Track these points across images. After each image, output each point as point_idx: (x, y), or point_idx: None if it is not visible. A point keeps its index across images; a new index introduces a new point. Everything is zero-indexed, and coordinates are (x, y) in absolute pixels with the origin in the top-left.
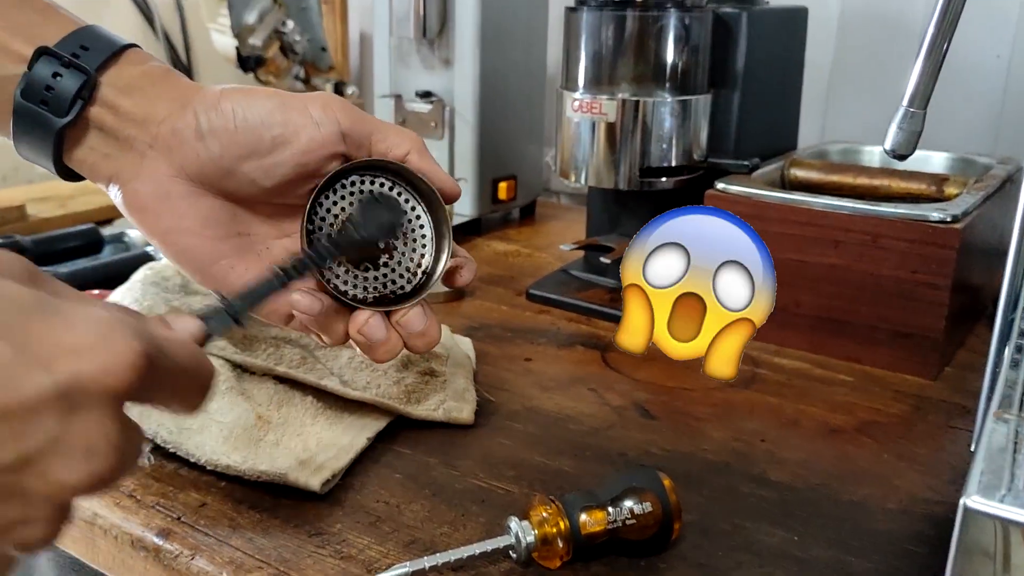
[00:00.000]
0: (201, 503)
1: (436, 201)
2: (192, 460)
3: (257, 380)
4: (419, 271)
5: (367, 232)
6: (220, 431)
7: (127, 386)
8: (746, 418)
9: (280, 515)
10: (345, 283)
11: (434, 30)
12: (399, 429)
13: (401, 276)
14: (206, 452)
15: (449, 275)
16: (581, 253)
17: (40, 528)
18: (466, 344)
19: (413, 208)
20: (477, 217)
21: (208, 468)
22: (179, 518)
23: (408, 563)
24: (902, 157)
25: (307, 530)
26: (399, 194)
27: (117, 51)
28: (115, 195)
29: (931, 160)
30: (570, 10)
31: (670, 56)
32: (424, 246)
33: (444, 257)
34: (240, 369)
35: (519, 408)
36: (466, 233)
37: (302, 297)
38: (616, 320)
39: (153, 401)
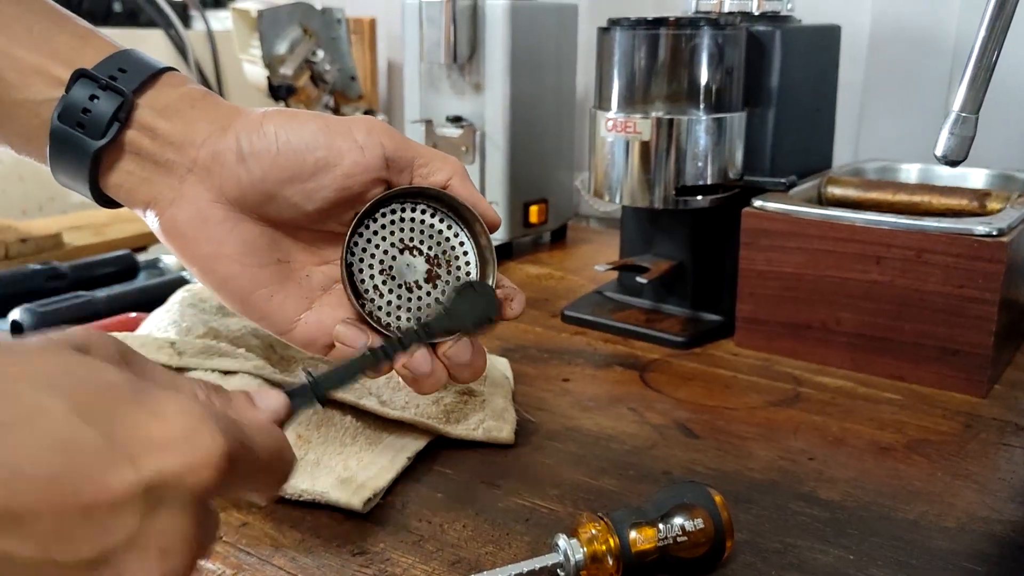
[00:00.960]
0: (242, 523)
1: (479, 228)
2: None
3: None
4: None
5: (461, 324)
6: None
7: (209, 486)
8: (791, 437)
9: (322, 535)
10: (388, 314)
11: (464, 55)
12: (439, 449)
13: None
14: None
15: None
16: (615, 275)
17: None
18: (503, 364)
19: (456, 235)
20: (509, 241)
21: None
22: (220, 538)
23: None
24: (954, 163)
25: (350, 549)
26: (441, 220)
27: (155, 73)
28: (152, 221)
29: (970, 177)
30: (603, 30)
31: (704, 74)
32: (468, 274)
33: (489, 284)
34: (280, 388)
35: (559, 428)
36: (498, 257)
37: (346, 329)
38: (653, 341)
39: (231, 493)
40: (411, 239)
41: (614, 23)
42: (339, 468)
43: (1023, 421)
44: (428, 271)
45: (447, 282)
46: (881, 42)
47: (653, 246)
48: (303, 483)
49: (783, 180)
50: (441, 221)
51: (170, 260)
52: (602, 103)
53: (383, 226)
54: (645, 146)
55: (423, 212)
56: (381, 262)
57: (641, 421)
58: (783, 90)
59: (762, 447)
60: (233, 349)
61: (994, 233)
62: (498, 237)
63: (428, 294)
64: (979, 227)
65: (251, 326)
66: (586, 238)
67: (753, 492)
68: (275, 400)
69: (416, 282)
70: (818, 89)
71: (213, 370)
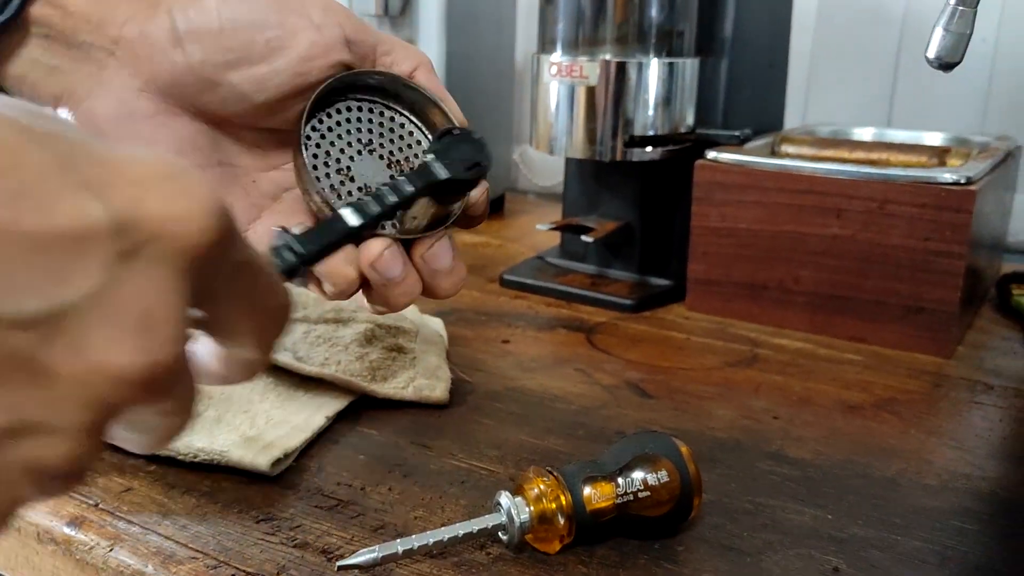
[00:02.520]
0: (125, 488)
1: (446, 125)
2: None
3: None
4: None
5: (458, 171)
6: None
7: (208, 245)
8: (752, 396)
9: (221, 500)
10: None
11: (396, 8)
12: (364, 409)
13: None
14: None
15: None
16: (556, 241)
17: (62, 443)
18: (437, 323)
19: (419, 141)
20: None
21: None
22: (96, 504)
23: (377, 547)
24: (948, 66)
25: (253, 515)
26: (402, 120)
27: None
28: (63, 118)
29: (925, 139)
30: None
31: (655, 16)
32: None
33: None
34: None
35: (499, 388)
36: None
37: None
38: (599, 304)
39: (225, 319)
40: (370, 140)
41: None
42: (244, 426)
43: (993, 380)
44: (391, 177)
45: None
46: (830, 11)
47: (599, 206)
48: (199, 441)
49: (737, 133)
50: (401, 124)
51: None
52: (545, 46)
53: (338, 123)
54: (591, 92)
55: (381, 110)
56: (338, 161)
57: (590, 382)
58: (737, 40)
59: (722, 406)
60: None
61: (962, 181)
62: None
63: None
64: (946, 175)
65: None
66: (525, 209)
67: (717, 451)
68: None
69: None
70: (771, 44)
71: None
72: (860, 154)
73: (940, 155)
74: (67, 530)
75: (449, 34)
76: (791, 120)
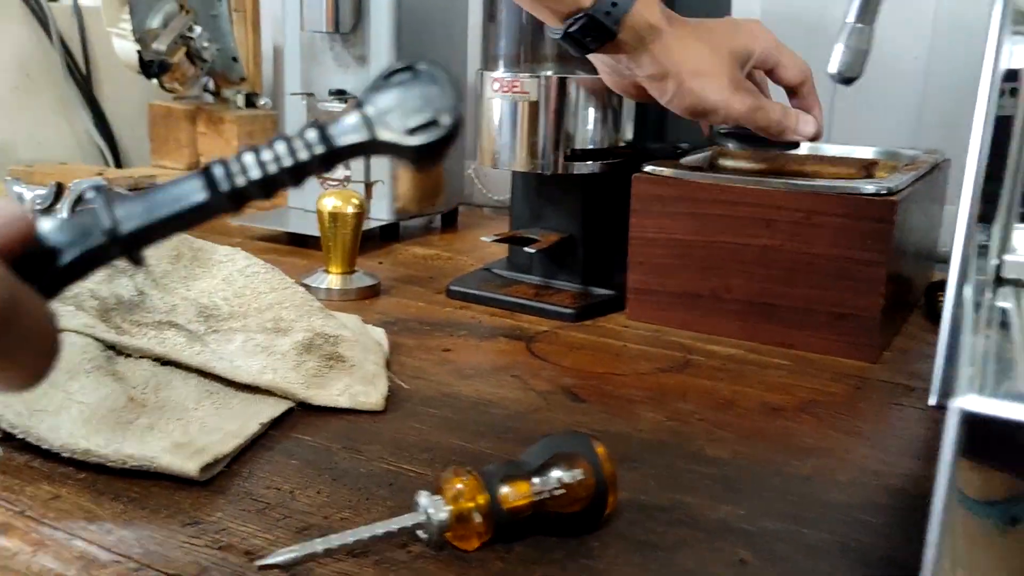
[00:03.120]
0: (53, 496)
1: None
2: (44, 447)
3: (133, 362)
4: None
5: (394, 132)
6: (80, 412)
7: None
8: (680, 400)
9: (149, 505)
10: None
11: (348, 25)
12: (299, 416)
13: None
14: (61, 435)
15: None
16: (505, 253)
17: None
18: (378, 333)
19: None
20: (395, 222)
21: (64, 456)
22: (22, 512)
23: (298, 546)
24: (849, 81)
25: (180, 520)
26: None
27: None
28: None
29: (858, 154)
30: None
31: None
32: None
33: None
34: (113, 351)
35: (435, 394)
36: (384, 239)
37: None
38: (541, 314)
39: None
40: None
41: None
42: (176, 433)
43: (913, 382)
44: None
45: None
46: (769, 25)
47: (544, 219)
48: (129, 448)
49: (674, 147)
50: None
51: None
52: (488, 63)
53: None
54: (533, 107)
55: None
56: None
57: (525, 388)
58: None
59: (650, 409)
60: (60, 306)
61: (883, 192)
62: (385, 217)
63: None
64: (868, 186)
65: (88, 285)
66: (478, 223)
67: (640, 451)
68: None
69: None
70: None
71: None
72: (793, 166)
73: (868, 168)
74: None
75: (399, 52)
76: None
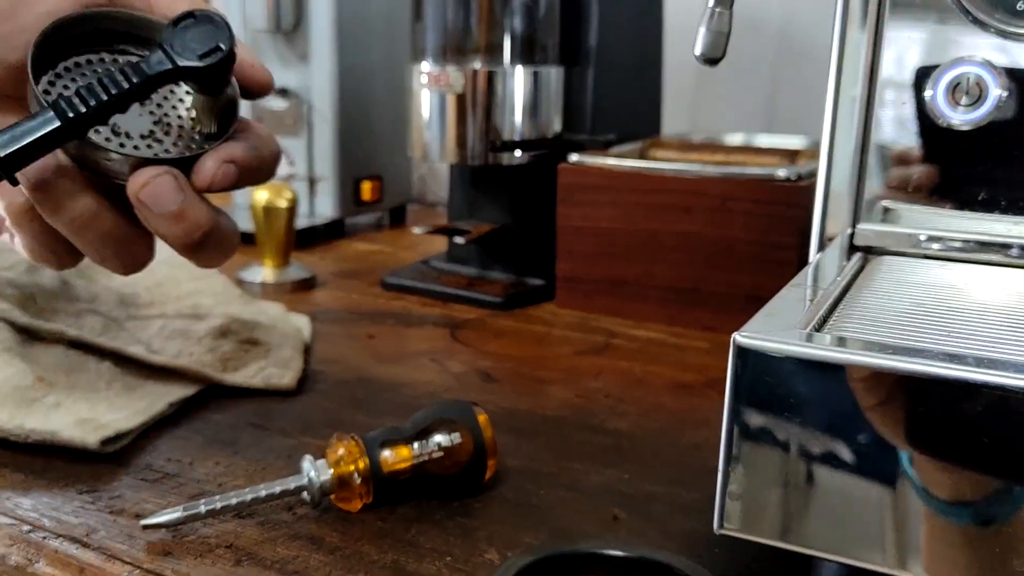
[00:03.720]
0: None
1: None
2: None
3: (46, 347)
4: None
5: (190, 59)
6: None
7: None
8: (592, 379)
9: (49, 476)
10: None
11: (289, 22)
12: (212, 397)
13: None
14: None
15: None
16: (444, 247)
17: None
18: (302, 321)
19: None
20: (340, 218)
21: None
22: None
23: (181, 507)
24: (712, 61)
25: (78, 488)
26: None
27: None
28: None
29: (790, 145)
30: None
31: (517, 27)
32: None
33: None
34: (26, 334)
35: (350, 377)
36: (328, 236)
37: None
38: (472, 303)
39: None
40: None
41: None
42: (83, 411)
43: None
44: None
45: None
46: (737, 35)
47: (478, 211)
48: (32, 422)
49: (601, 138)
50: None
51: None
52: (416, 55)
53: (74, 79)
54: (460, 100)
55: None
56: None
57: (441, 370)
58: (602, 50)
59: (560, 389)
60: None
61: (793, 178)
62: (328, 215)
63: (149, 147)
64: (779, 172)
65: (8, 275)
66: (428, 220)
67: (541, 426)
68: None
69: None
70: (641, 54)
71: None
72: (720, 156)
73: (792, 156)
74: None
75: (341, 49)
76: (677, 127)
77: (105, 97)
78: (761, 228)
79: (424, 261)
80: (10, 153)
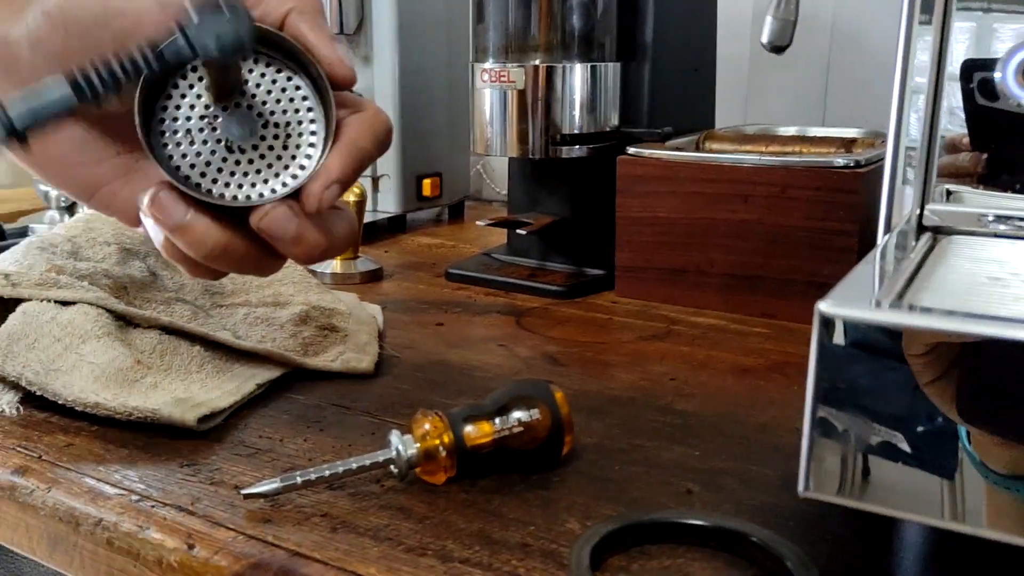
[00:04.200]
0: (67, 444)
1: (324, 86)
2: (60, 401)
3: (142, 332)
4: (301, 173)
5: (204, 44)
6: (92, 371)
7: None
8: (656, 363)
9: (152, 451)
10: (214, 181)
11: (352, 26)
12: (296, 380)
13: (275, 176)
14: (74, 391)
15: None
16: (504, 240)
17: None
18: (373, 308)
19: (297, 87)
20: (402, 213)
21: (77, 409)
22: (39, 457)
23: (279, 478)
24: (779, 49)
25: (179, 462)
26: (288, 78)
27: None
28: None
29: (846, 133)
30: None
31: (575, 25)
32: (312, 145)
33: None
34: (122, 320)
35: (424, 362)
36: (391, 230)
37: (161, 195)
38: (534, 292)
39: None
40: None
41: None
42: (179, 391)
43: None
44: (259, 134)
45: (284, 148)
46: (762, 18)
47: (538, 204)
48: (134, 401)
49: (658, 131)
50: (272, 67)
51: (40, 228)
52: (478, 55)
53: (199, 78)
54: (521, 95)
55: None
56: (203, 118)
57: (509, 355)
58: (657, 46)
59: (626, 371)
60: (75, 282)
61: (851, 164)
62: (391, 209)
63: (262, 157)
64: (838, 160)
65: (103, 267)
66: (484, 215)
67: (610, 406)
68: None
69: (240, 147)
70: (695, 49)
71: (49, 300)
72: (776, 147)
73: (847, 145)
74: (12, 478)
75: (402, 51)
76: (730, 120)
77: (121, 75)
78: (820, 215)
79: (485, 253)
80: (28, 127)
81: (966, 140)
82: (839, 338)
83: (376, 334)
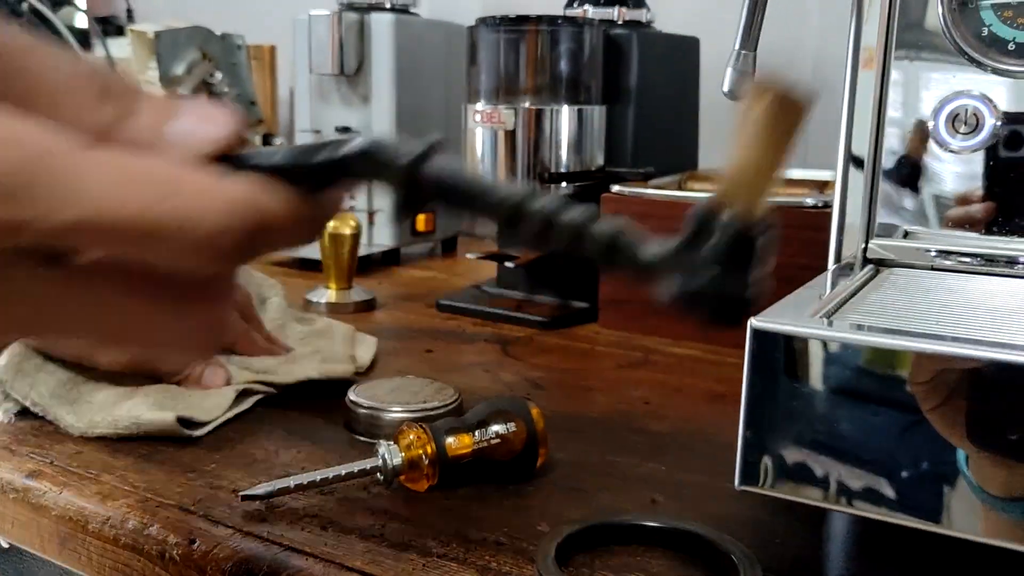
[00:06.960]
0: (77, 451)
1: None
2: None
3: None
4: None
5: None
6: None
7: None
8: (633, 389)
9: (156, 459)
10: None
11: (352, 67)
12: (292, 398)
13: None
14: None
15: None
16: (494, 274)
17: None
18: (369, 339)
19: None
20: (396, 248)
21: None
22: (51, 462)
23: (273, 482)
24: (739, 98)
25: (182, 468)
26: None
27: None
28: None
29: (820, 175)
30: (470, 28)
31: (563, 69)
32: None
33: None
34: None
35: None
36: (385, 263)
37: None
38: (520, 323)
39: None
40: None
41: (481, 21)
42: (167, 404)
43: None
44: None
45: None
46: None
47: None
48: (119, 412)
49: (641, 170)
50: None
51: None
52: (471, 97)
53: None
54: (511, 135)
55: None
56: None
57: (494, 379)
58: (641, 90)
59: (604, 396)
60: None
61: (820, 204)
62: (385, 243)
63: None
64: (808, 199)
65: None
66: (477, 249)
67: (587, 426)
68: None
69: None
70: (678, 93)
71: None
72: None
73: (820, 186)
74: (26, 481)
75: (399, 91)
76: (715, 161)
77: (281, 163)
78: (790, 252)
79: (475, 286)
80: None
81: (925, 177)
82: (771, 349)
83: (353, 342)
